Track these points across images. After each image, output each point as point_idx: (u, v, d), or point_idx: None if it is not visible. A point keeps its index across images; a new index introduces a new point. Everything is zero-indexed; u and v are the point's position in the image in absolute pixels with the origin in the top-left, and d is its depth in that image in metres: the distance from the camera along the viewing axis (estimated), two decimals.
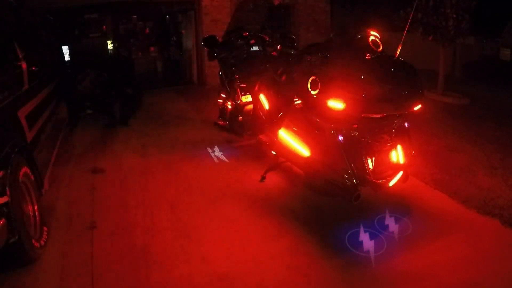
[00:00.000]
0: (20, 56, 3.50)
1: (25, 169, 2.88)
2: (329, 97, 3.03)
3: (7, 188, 2.43)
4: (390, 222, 3.11)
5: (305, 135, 3.47)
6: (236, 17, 5.59)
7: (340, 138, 3.10)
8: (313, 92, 3.24)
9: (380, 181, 3.14)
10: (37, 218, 3.00)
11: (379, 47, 3.27)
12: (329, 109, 3.03)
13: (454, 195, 3.63)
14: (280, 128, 3.81)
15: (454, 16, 7.05)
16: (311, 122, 3.37)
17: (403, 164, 3.25)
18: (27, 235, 2.67)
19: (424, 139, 5.15)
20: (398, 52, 3.29)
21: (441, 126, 5.77)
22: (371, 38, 3.28)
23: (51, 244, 3.03)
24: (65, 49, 8.71)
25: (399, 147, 3.23)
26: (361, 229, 2.97)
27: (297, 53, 3.76)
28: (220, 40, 5.31)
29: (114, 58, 11.09)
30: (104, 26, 12.21)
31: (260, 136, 4.35)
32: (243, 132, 5.15)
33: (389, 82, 3.03)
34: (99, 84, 6.59)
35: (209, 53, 5.39)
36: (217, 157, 4.83)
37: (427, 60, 8.80)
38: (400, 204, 3.52)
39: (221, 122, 5.70)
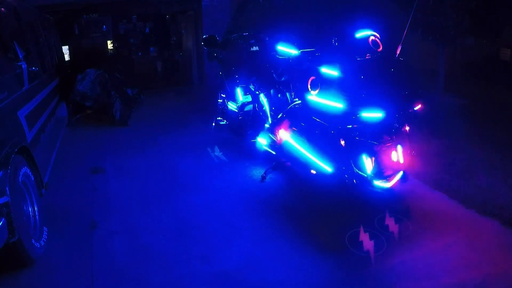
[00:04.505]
0: (20, 56, 3.50)
1: (25, 169, 2.88)
2: (329, 97, 3.04)
3: (7, 188, 2.43)
4: (390, 222, 3.11)
5: (305, 135, 3.47)
6: (236, 17, 5.59)
7: (340, 138, 3.11)
8: (313, 92, 3.24)
9: (380, 181, 3.14)
10: (37, 218, 3.00)
11: (379, 47, 3.27)
12: (329, 109, 3.03)
13: (454, 195, 3.63)
14: (280, 128, 3.81)
15: (454, 16, 7.04)
16: (311, 122, 3.37)
17: (403, 164, 3.25)
18: (27, 235, 2.67)
19: (424, 139, 5.14)
20: (398, 52, 3.29)
21: (441, 126, 5.76)
22: (371, 38, 3.28)
23: (51, 244, 3.03)
24: (65, 49, 8.72)
25: (399, 147, 3.23)
26: (361, 229, 2.97)
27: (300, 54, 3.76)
28: (220, 40, 5.31)
29: (114, 58, 11.09)
30: (104, 26, 12.21)
31: (260, 136, 4.34)
32: (243, 132, 5.15)
33: (388, 82, 3.04)
34: (99, 84, 6.59)
35: (209, 53, 5.39)
36: (217, 157, 4.83)
37: (427, 60, 8.80)
38: (400, 204, 3.52)
39: (221, 122, 5.70)
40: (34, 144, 3.63)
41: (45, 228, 3.07)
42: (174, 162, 4.71)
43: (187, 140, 5.59)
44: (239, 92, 4.94)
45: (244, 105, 4.94)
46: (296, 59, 3.76)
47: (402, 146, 3.23)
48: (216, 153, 4.96)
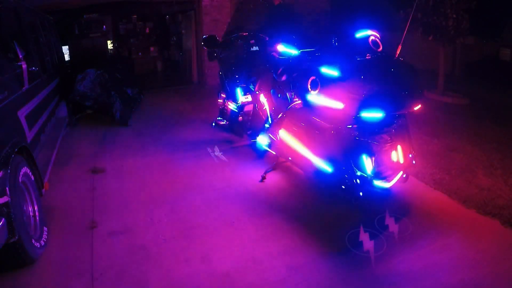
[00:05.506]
0: (20, 56, 3.50)
1: (25, 169, 2.88)
2: (329, 97, 3.04)
3: (7, 188, 2.43)
4: (390, 222, 3.11)
5: (305, 135, 3.47)
6: (236, 17, 5.59)
7: (340, 138, 3.10)
8: (313, 92, 3.24)
9: (380, 181, 3.14)
10: (37, 218, 3.00)
11: (379, 47, 3.27)
12: (329, 109, 3.03)
13: (454, 195, 3.63)
14: (280, 128, 3.81)
15: (454, 16, 7.04)
16: (311, 122, 3.37)
17: (403, 164, 3.25)
18: (27, 235, 2.67)
19: (424, 139, 5.14)
20: (398, 52, 3.29)
21: (441, 126, 5.76)
22: (371, 38, 3.28)
23: (51, 244, 3.03)
24: (65, 49, 8.72)
25: (399, 147, 3.23)
26: (361, 229, 2.97)
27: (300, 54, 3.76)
28: (220, 40, 5.31)
29: (114, 58, 11.09)
30: (104, 26, 12.22)
31: (260, 136, 4.35)
32: (243, 132, 5.15)
33: (389, 82, 3.04)
34: (99, 84, 6.58)
35: (209, 53, 5.39)
36: (217, 157, 4.83)
37: (427, 60, 8.80)
38: (400, 204, 3.52)
39: (221, 122, 5.70)
40: (34, 144, 3.63)
41: (45, 228, 3.07)
42: (174, 162, 4.71)
43: (187, 140, 5.59)
44: (239, 92, 4.95)
45: (244, 105, 4.95)
46: (296, 59, 3.76)
47: (402, 146, 3.24)
48: (216, 153, 4.96)
